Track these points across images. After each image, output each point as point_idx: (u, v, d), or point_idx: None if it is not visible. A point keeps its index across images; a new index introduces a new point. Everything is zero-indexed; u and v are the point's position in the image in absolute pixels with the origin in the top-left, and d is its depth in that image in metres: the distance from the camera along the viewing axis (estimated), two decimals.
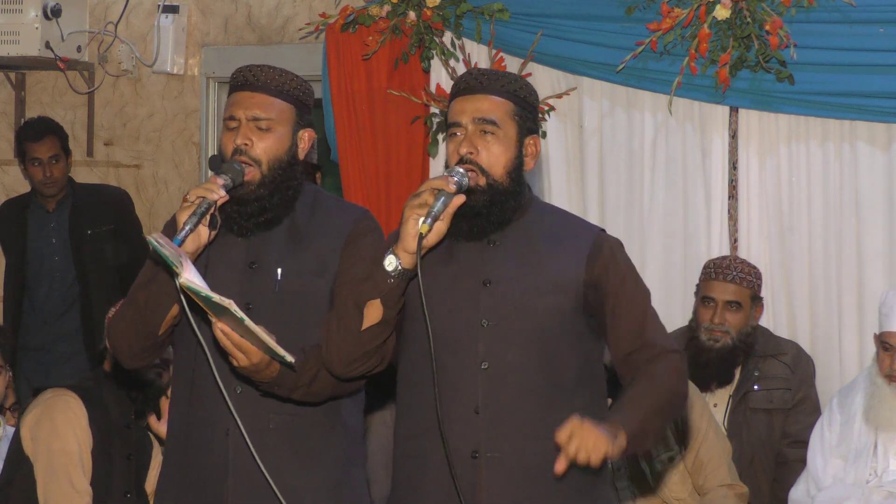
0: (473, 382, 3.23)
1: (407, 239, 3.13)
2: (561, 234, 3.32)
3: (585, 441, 2.99)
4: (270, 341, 3.10)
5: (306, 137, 3.49)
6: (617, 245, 3.34)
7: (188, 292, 3.10)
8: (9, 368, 4.78)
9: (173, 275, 3.15)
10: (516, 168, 3.27)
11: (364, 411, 3.65)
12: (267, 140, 3.40)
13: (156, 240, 3.12)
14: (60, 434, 4.18)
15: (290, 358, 3.14)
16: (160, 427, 4.32)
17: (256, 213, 3.40)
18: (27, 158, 6.42)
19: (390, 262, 3.15)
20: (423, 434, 3.27)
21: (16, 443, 4.28)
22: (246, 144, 3.39)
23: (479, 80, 3.28)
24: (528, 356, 3.24)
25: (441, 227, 3.16)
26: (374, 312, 3.20)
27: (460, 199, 3.17)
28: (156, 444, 4.45)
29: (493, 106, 3.26)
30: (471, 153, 3.22)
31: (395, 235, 3.23)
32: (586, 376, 3.30)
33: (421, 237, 3.11)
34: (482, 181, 3.22)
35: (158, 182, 6.83)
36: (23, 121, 6.92)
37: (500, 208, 3.25)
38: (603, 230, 3.38)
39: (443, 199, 3.13)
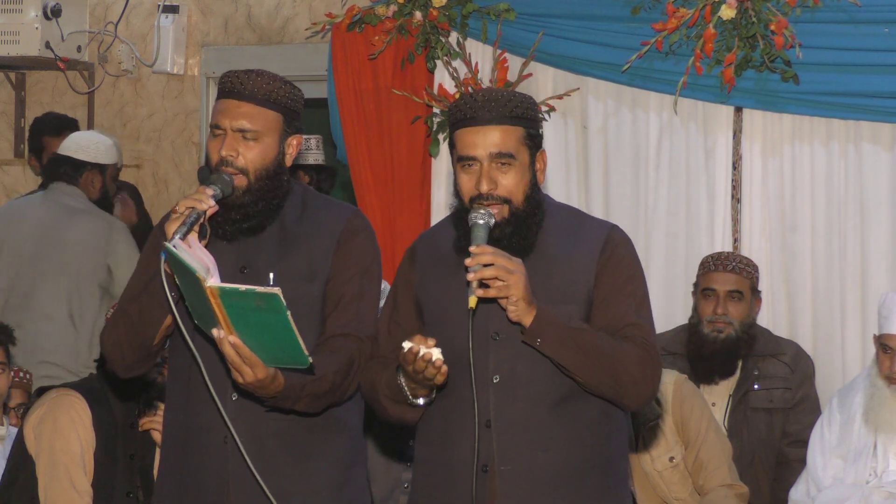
0: (485, 396, 3.21)
1: None
2: (572, 239, 3.30)
3: (508, 277, 3.07)
4: (300, 339, 3.06)
5: (294, 144, 3.44)
6: (622, 242, 3.32)
7: (213, 297, 3.04)
8: (11, 367, 4.77)
9: (191, 282, 3.08)
10: (533, 189, 3.27)
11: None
12: (253, 151, 3.35)
13: (174, 247, 3.08)
14: (63, 433, 4.16)
15: (311, 360, 3.11)
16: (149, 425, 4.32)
17: (240, 220, 3.37)
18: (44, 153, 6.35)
19: None
20: (434, 443, 3.29)
21: (19, 441, 4.26)
22: (231, 156, 3.34)
23: (486, 109, 3.23)
24: (539, 368, 3.22)
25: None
26: None
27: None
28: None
29: (505, 137, 3.23)
30: (492, 190, 3.21)
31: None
32: None
33: (472, 312, 3.13)
34: (506, 211, 3.21)
35: (158, 182, 6.83)
36: (22, 120, 6.91)
37: (525, 235, 3.25)
38: (613, 227, 3.36)
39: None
